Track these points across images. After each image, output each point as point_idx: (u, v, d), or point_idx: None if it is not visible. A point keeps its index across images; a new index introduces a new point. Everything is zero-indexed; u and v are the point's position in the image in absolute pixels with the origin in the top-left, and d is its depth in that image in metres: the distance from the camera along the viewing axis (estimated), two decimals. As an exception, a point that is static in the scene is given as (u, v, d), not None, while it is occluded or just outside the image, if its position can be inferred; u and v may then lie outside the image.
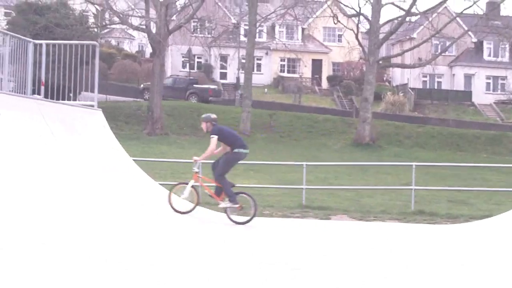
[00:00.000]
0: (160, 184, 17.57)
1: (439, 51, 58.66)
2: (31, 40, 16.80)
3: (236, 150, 14.67)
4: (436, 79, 74.76)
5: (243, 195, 14.80)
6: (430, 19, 54.28)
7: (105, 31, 66.05)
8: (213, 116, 14.90)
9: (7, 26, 45.32)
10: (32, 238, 9.99)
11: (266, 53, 74.08)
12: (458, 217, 19.45)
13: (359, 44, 52.40)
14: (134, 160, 17.39)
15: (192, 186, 14.79)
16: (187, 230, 13.52)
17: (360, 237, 14.41)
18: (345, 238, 14.13)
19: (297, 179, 23.13)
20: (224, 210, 14.87)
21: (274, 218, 17.81)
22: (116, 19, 51.22)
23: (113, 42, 76.63)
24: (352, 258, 11.40)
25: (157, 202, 15.15)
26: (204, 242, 12.21)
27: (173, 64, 73.11)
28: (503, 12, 61.24)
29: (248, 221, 14.63)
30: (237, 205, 14.55)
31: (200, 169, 16.77)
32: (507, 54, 73.42)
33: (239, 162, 14.96)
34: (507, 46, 70.36)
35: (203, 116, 15.01)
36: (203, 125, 14.86)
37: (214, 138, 14.58)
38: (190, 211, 14.86)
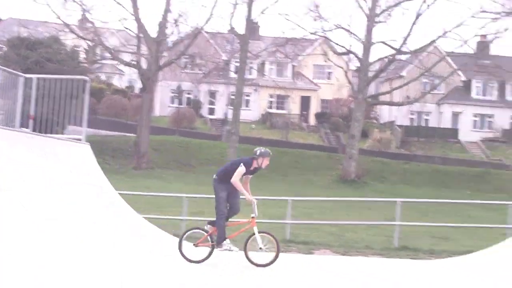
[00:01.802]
0: (144, 217, 17.77)
1: (428, 89, 58.96)
2: (21, 74, 16.99)
3: None
4: (424, 117, 75.24)
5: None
6: (420, 58, 54.65)
7: (96, 66, 66.25)
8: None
9: (-2, 61, 45.30)
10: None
11: (255, 90, 74.26)
12: (441, 253, 19.62)
13: (349, 81, 52.88)
14: (119, 193, 17.55)
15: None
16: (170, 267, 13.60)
17: (342, 272, 14.52)
18: (328, 273, 14.23)
19: (282, 214, 23.26)
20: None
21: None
22: (107, 54, 51.66)
23: (103, 77, 76.55)
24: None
25: (141, 236, 15.27)
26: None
27: (162, 100, 73.29)
28: (492, 51, 61.31)
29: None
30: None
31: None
32: (495, 92, 73.83)
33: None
34: (495, 84, 71.02)
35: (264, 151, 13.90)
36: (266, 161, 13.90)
37: None
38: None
